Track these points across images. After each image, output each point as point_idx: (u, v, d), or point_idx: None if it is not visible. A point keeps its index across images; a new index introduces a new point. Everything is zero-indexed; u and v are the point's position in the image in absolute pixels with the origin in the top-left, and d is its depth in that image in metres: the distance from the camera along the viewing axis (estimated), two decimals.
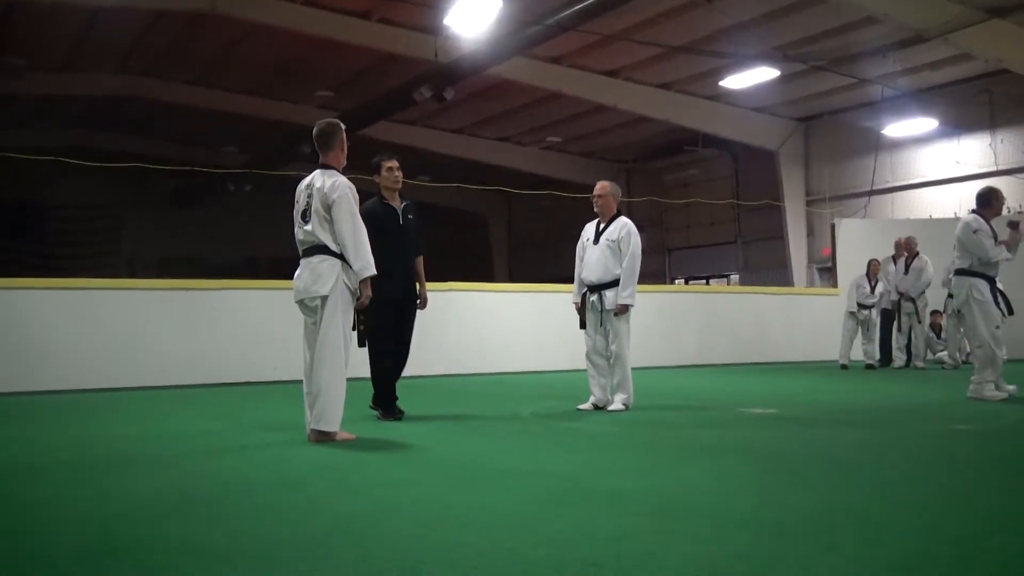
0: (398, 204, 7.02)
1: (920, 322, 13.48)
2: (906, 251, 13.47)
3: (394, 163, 7.07)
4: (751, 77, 16.99)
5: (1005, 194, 10.19)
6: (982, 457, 5.13)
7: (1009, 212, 14.67)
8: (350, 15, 16.20)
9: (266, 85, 20.73)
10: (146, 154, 21.31)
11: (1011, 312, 8.23)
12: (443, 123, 22.95)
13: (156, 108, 21.98)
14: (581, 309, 7.56)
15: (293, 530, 3.28)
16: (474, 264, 28.77)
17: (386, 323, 6.75)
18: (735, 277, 23.70)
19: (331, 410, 5.47)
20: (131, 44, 18.34)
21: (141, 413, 7.85)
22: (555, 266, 28.96)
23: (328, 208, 5.53)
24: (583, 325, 7.49)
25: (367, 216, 5.98)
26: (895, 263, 13.55)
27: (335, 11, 16.07)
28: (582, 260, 7.65)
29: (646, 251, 28.98)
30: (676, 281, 25.04)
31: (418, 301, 7.14)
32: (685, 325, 14.60)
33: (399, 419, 6.81)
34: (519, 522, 3.38)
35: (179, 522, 3.45)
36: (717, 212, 23.31)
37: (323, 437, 5.48)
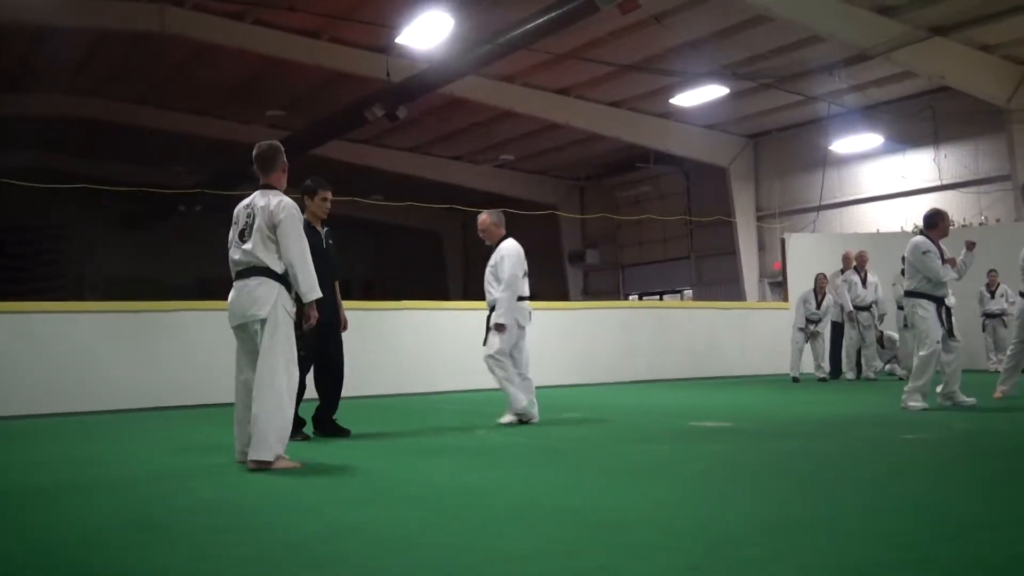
0: (321, 230, 7.19)
1: (880, 332, 13.68)
2: (859, 264, 13.65)
3: (329, 194, 7.28)
4: (701, 95, 17.19)
5: (950, 209, 10.46)
6: (930, 466, 5.23)
7: (956, 227, 14.97)
8: (300, 34, 16.16)
9: (217, 105, 20.57)
10: (95, 175, 21.05)
11: (951, 335, 8.40)
12: (396, 142, 22.93)
13: (105, 128, 21.70)
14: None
15: (246, 552, 3.25)
16: (429, 282, 28.74)
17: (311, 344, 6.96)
18: (688, 292, 23.91)
19: (269, 438, 5.19)
20: (79, 64, 18.12)
21: (93, 438, 7.73)
22: None
23: (274, 228, 5.36)
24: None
25: None
26: (856, 275, 13.64)
27: (285, 30, 16.01)
28: None
29: (600, 268, 28.95)
30: (630, 297, 25.19)
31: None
32: (638, 341, 14.68)
33: (308, 440, 6.87)
34: (473, 539, 3.39)
35: (134, 547, 3.41)
36: (670, 228, 23.51)
37: (261, 466, 5.19)
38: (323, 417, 7.17)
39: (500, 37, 14.16)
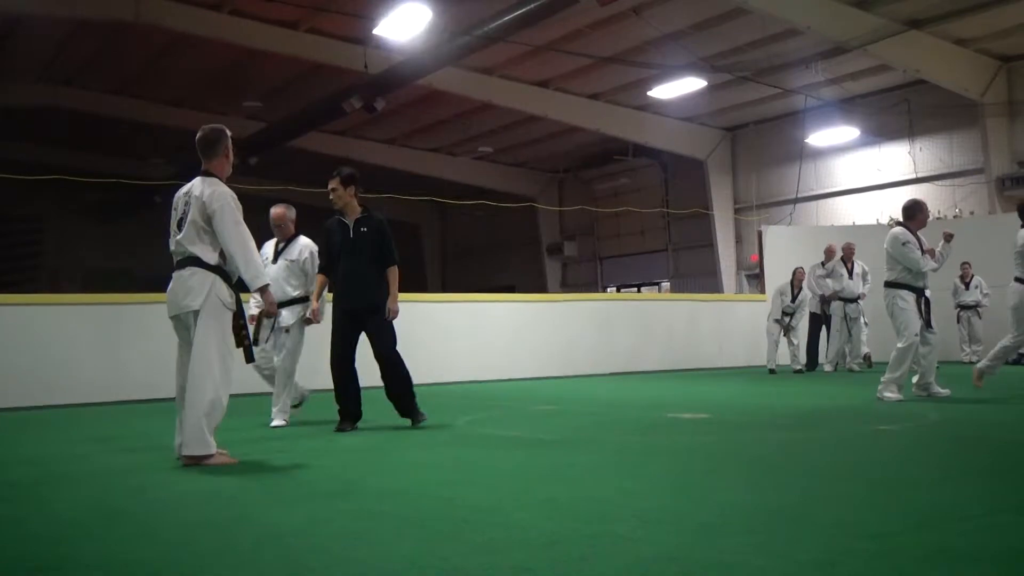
0: (350, 219, 7.10)
1: (867, 324, 13.72)
2: (845, 255, 13.69)
3: (331, 183, 7.15)
4: (679, 87, 17.25)
5: (925, 201, 10.47)
6: (904, 456, 5.27)
7: (932, 219, 15.06)
8: (277, 25, 16.07)
9: (193, 95, 20.43)
10: (70, 166, 20.84)
11: (928, 326, 8.45)
12: (374, 133, 22.86)
13: (80, 119, 21.51)
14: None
15: (222, 544, 3.24)
16: (407, 274, 28.65)
17: (337, 333, 7.05)
18: (666, 284, 23.98)
19: (203, 433, 5.08)
20: (53, 54, 17.95)
21: (65, 431, 7.67)
22: (490, 275, 29.20)
23: (208, 219, 5.22)
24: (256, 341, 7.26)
25: (323, 233, 6.96)
26: (843, 266, 13.65)
27: (262, 21, 15.92)
28: None
29: (578, 260, 29.00)
30: (608, 289, 25.25)
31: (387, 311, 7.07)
32: (616, 333, 14.72)
33: (345, 431, 6.88)
34: (451, 531, 3.38)
35: (106, 538, 3.39)
36: (648, 220, 23.58)
37: (194, 461, 5.07)
38: (399, 408, 7.16)
39: (478, 29, 14.14)
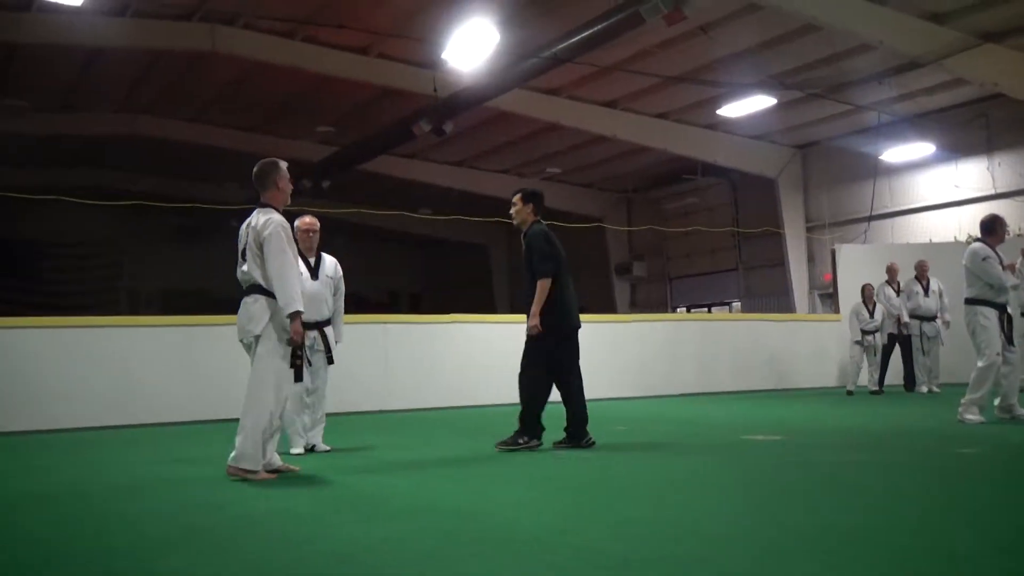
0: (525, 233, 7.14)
1: (943, 343, 13.42)
2: (919, 273, 13.43)
3: (514, 198, 7.27)
4: (748, 105, 17.11)
5: (1006, 217, 10.24)
6: (985, 480, 5.14)
7: (1010, 236, 14.71)
8: (348, 51, 16.36)
9: (267, 121, 20.88)
10: (148, 191, 21.46)
11: (1011, 343, 8.23)
12: (443, 156, 23.08)
13: (158, 145, 22.11)
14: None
15: (298, 560, 3.30)
16: (476, 295, 28.81)
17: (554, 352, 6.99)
18: (737, 304, 23.72)
19: (252, 448, 5.44)
20: (132, 83, 18.50)
21: (144, 449, 7.86)
22: None
23: (260, 246, 5.57)
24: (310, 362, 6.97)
25: (551, 241, 6.97)
26: (918, 284, 13.38)
27: (333, 47, 16.22)
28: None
29: (647, 280, 28.73)
30: (678, 309, 25.05)
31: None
32: (686, 353, 14.61)
33: (534, 447, 6.87)
34: (525, 551, 3.40)
35: (188, 553, 3.47)
36: (717, 240, 23.37)
37: (241, 474, 5.41)
38: (568, 429, 7.04)
39: (545, 50, 14.21)
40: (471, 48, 13.82)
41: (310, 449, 7.05)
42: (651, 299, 25.95)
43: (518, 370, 7.04)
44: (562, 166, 23.65)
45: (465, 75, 15.79)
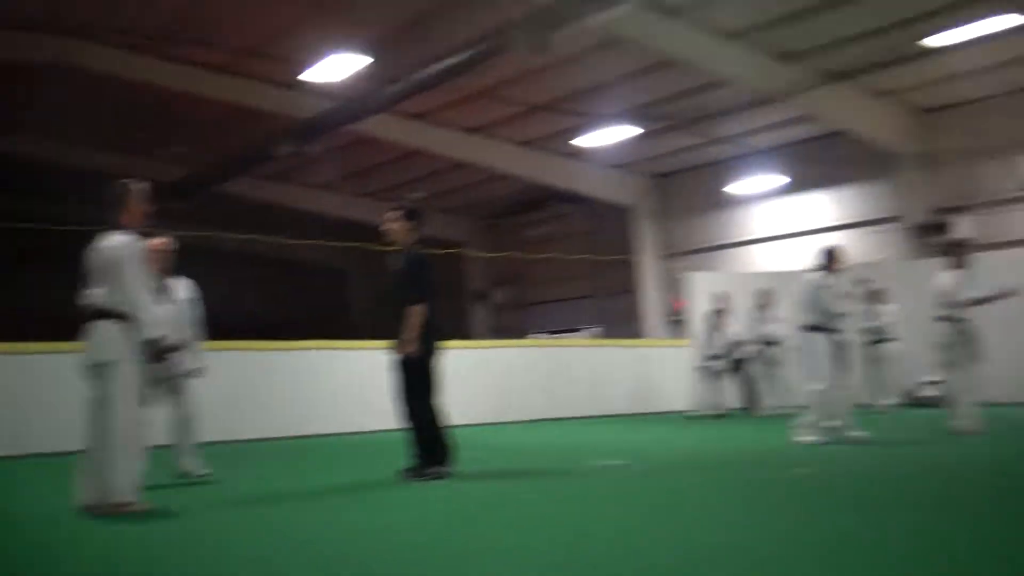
0: (402, 254, 6.98)
1: (786, 368, 13.92)
2: (764, 302, 13.92)
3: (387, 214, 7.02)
4: (608, 135, 17.52)
5: (844, 248, 10.77)
6: (816, 500, 5.35)
7: (848, 265, 15.43)
8: (208, 69, 15.95)
9: (119, 139, 20.10)
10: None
11: (844, 369, 8.60)
12: (304, 178, 22.72)
13: (1, 161, 20.98)
14: None
15: None
16: (333, 320, 28.38)
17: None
18: (593, 330, 24.12)
19: (124, 479, 5.23)
20: None
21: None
22: None
23: (111, 269, 5.40)
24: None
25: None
26: (761, 312, 13.91)
27: (191, 64, 15.78)
28: None
29: (507, 306, 28.60)
30: (536, 335, 25.27)
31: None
32: (542, 379, 14.70)
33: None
34: None
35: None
36: (575, 267, 23.73)
37: (116, 509, 5.18)
38: (422, 456, 6.77)
39: (411, 75, 14.21)
40: (336, 70, 13.71)
41: (183, 475, 6.86)
42: (510, 325, 26.12)
43: (396, 399, 6.84)
44: (426, 190, 23.62)
45: (329, 97, 15.63)
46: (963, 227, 16.22)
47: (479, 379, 13.74)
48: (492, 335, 25.79)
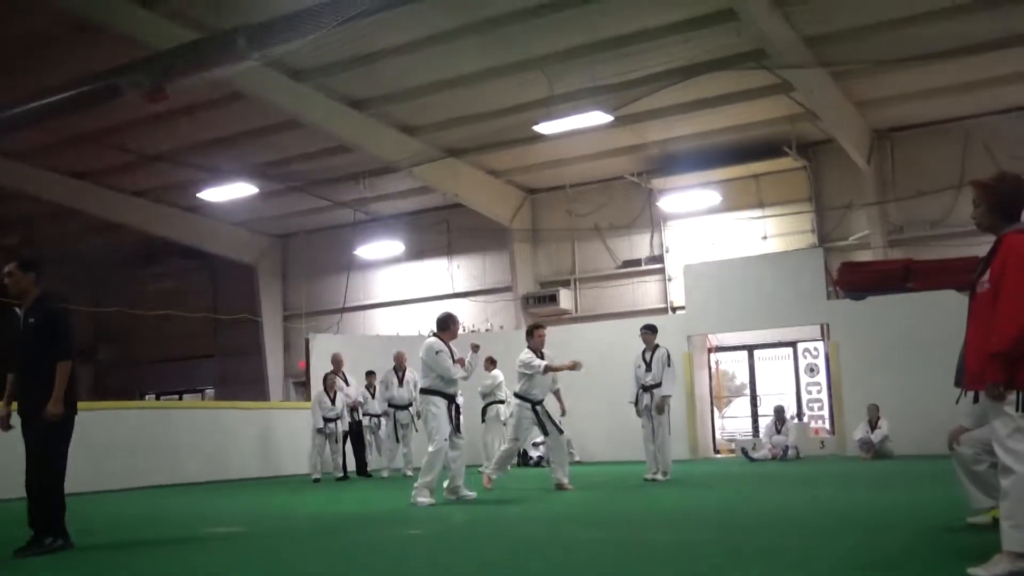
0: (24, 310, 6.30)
1: (416, 431, 14.13)
2: (396, 364, 14.10)
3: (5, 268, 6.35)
4: (230, 192, 16.98)
5: (461, 314, 11.31)
6: (431, 559, 5.45)
7: (465, 332, 16.21)
8: None
9: None
10: None
11: (458, 431, 8.93)
12: None
13: None
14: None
15: None
16: None
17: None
18: (211, 392, 23.19)
19: None
20: None
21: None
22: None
23: None
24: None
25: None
26: (394, 375, 14.03)
27: None
28: None
29: (116, 364, 26.77)
30: (148, 396, 23.81)
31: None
32: (155, 443, 13.81)
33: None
34: None
35: None
36: (196, 325, 22.69)
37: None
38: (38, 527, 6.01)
39: (6, 110, 12.89)
40: None
41: None
42: (119, 385, 24.34)
43: (29, 465, 6.08)
44: (23, 237, 21.54)
45: None
46: (564, 298, 17.65)
47: (81, 444, 12.55)
48: (96, 396, 23.87)
